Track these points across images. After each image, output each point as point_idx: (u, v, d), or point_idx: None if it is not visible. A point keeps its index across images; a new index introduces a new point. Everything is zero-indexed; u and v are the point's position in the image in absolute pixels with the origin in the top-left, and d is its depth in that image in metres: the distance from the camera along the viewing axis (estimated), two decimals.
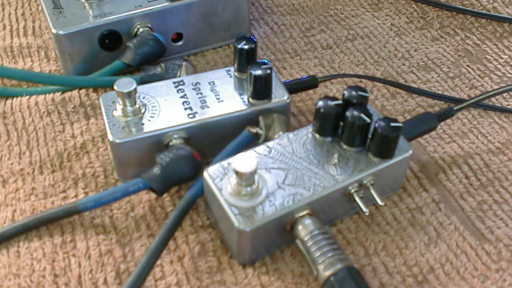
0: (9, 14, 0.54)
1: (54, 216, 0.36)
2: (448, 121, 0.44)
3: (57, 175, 0.40)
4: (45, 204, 0.38)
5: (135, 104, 0.38)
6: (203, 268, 0.35)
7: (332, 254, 0.32)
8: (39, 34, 0.51)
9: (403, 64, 0.49)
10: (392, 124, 0.34)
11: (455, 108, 0.41)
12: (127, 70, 0.45)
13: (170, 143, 0.37)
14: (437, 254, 0.36)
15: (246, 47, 0.39)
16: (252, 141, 0.38)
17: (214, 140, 0.39)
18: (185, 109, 0.39)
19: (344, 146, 0.36)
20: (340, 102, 0.35)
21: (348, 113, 0.35)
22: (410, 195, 0.39)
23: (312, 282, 0.34)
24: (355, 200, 0.35)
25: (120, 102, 0.37)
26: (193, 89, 0.40)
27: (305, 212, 0.33)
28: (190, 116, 0.38)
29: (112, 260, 0.35)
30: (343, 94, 0.36)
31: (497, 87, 0.47)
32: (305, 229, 0.33)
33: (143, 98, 0.39)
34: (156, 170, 0.36)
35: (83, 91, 0.45)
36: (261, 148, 0.36)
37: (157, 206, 0.38)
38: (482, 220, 0.38)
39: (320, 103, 0.35)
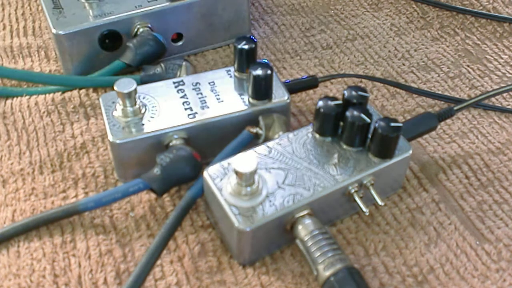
0: (9, 14, 0.54)
1: (54, 216, 0.36)
2: (448, 121, 0.44)
3: (57, 175, 0.40)
4: (45, 204, 0.38)
5: (135, 104, 0.38)
6: (203, 268, 0.35)
7: (332, 254, 0.32)
8: (39, 34, 0.51)
9: (403, 64, 0.49)
10: (392, 124, 0.34)
11: (455, 108, 0.41)
12: (127, 70, 0.45)
13: (170, 144, 0.37)
14: (437, 254, 0.36)
15: (246, 47, 0.39)
16: (252, 141, 0.38)
17: (214, 140, 0.39)
18: (185, 109, 0.39)
19: (344, 146, 0.36)
20: (340, 102, 0.35)
21: (348, 113, 0.35)
22: (410, 195, 0.39)
23: (312, 282, 0.34)
24: (355, 200, 0.35)
25: (120, 102, 0.37)
26: (193, 89, 0.40)
27: (305, 212, 0.33)
28: (190, 116, 0.38)
29: (112, 260, 0.35)
30: (343, 94, 0.36)
31: (497, 87, 0.47)
32: (305, 229, 0.33)
33: (143, 98, 0.39)
34: (156, 170, 0.36)
35: (83, 91, 0.45)
36: (261, 148, 0.36)
37: (157, 206, 0.38)
38: (482, 220, 0.38)
39: (320, 103, 0.35)
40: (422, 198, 0.39)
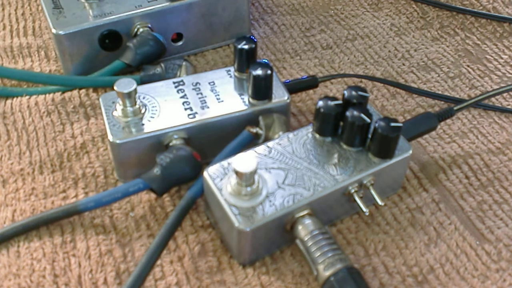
0: (9, 14, 0.54)
1: (54, 216, 0.36)
2: (448, 121, 0.44)
3: (57, 175, 0.40)
4: (45, 204, 0.38)
5: (135, 104, 0.38)
6: (203, 268, 0.35)
7: (332, 254, 0.32)
8: (39, 34, 0.51)
9: (403, 64, 0.49)
10: (392, 124, 0.34)
11: (455, 108, 0.41)
12: (127, 70, 0.45)
13: (170, 144, 0.37)
14: (437, 254, 0.36)
15: (246, 47, 0.39)
16: (252, 141, 0.38)
17: (214, 140, 0.39)
18: (185, 109, 0.39)
19: (344, 146, 0.36)
20: (340, 102, 0.35)
21: (348, 113, 0.35)
22: (410, 195, 0.39)
23: (312, 282, 0.34)
24: (355, 200, 0.35)
25: (120, 102, 0.37)
26: (193, 89, 0.40)
27: (305, 212, 0.33)
28: (190, 116, 0.38)
29: (112, 260, 0.35)
30: (343, 94, 0.36)
31: (497, 87, 0.47)
32: (305, 229, 0.33)
33: (143, 98, 0.39)
34: (156, 170, 0.36)
35: (83, 91, 0.45)
36: (261, 148, 0.36)
37: (157, 206, 0.38)
38: (482, 220, 0.38)
39: (320, 103, 0.35)
40: (422, 198, 0.39)
